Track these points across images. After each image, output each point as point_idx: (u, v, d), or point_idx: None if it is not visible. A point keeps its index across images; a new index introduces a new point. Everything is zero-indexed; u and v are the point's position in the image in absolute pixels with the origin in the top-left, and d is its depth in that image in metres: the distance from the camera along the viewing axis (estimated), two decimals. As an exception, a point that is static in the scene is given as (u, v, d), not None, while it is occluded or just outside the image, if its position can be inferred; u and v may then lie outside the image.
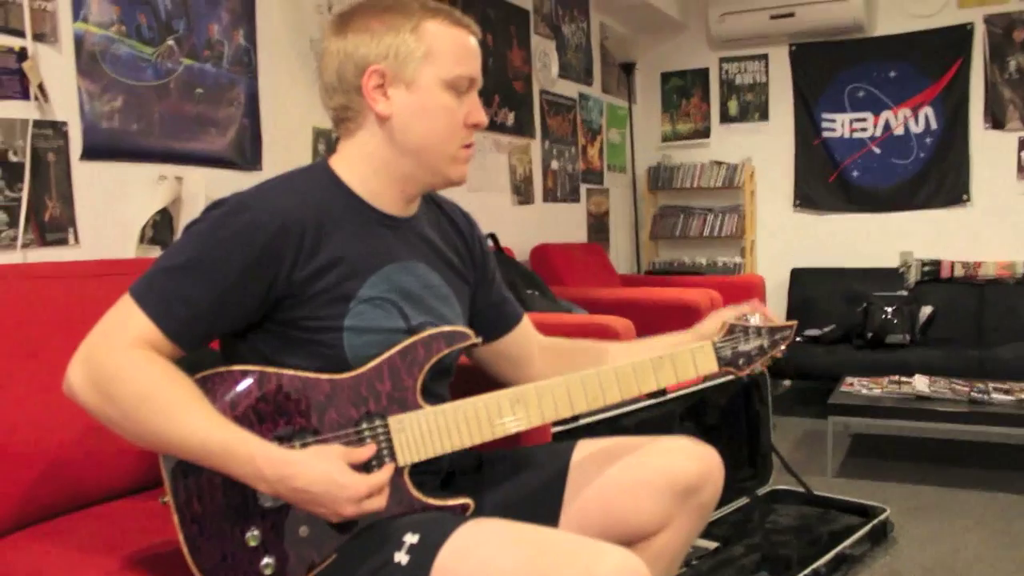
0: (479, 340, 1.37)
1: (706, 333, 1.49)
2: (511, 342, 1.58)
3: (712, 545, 2.63)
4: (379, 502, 1.17)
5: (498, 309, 1.58)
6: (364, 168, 1.35)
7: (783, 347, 1.53)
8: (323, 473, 1.13)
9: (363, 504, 1.15)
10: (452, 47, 1.32)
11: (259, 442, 1.14)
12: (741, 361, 1.49)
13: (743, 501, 2.98)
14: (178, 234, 1.96)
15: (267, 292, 1.23)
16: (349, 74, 1.31)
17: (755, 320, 1.50)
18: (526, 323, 1.62)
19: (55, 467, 1.55)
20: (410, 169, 1.35)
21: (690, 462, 1.43)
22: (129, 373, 1.13)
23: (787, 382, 5.42)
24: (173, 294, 1.19)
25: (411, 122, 1.32)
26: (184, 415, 1.12)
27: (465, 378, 1.53)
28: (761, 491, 3.06)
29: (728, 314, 1.50)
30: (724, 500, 2.91)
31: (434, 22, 1.31)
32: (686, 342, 1.49)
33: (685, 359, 1.45)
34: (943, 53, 5.17)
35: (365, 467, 1.20)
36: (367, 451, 1.21)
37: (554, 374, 1.47)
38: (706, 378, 2.86)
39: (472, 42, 1.36)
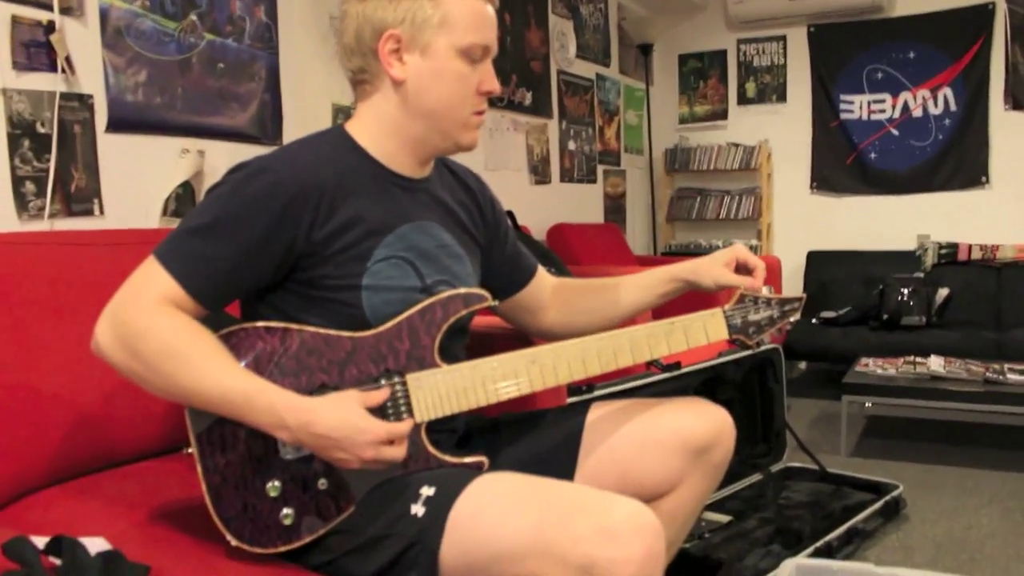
0: (495, 302, 1.40)
1: (701, 267, 1.55)
2: (528, 294, 1.63)
3: (725, 519, 2.65)
4: (398, 452, 1.20)
5: (514, 263, 1.62)
6: (379, 130, 1.38)
7: (792, 319, 1.56)
8: (343, 418, 1.16)
9: (382, 450, 1.18)
10: (468, 15, 1.33)
11: (279, 391, 1.17)
12: (751, 330, 1.52)
13: (757, 477, 3.00)
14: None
15: (287, 252, 1.27)
16: (367, 37, 1.33)
17: (765, 291, 1.54)
18: (540, 273, 1.66)
19: (86, 427, 1.59)
20: (423, 132, 1.38)
21: (702, 422, 1.46)
22: (153, 330, 1.17)
23: (802, 364, 5.43)
24: (196, 254, 1.23)
25: (425, 87, 1.34)
26: (206, 367, 1.16)
27: (480, 340, 1.57)
28: (775, 468, 3.08)
29: (726, 257, 1.54)
30: (738, 475, 2.95)
31: None
32: (677, 274, 1.56)
33: (696, 326, 1.48)
34: (963, 33, 5.14)
35: (382, 419, 1.24)
36: (381, 394, 1.24)
37: (566, 317, 1.58)
38: (720, 353, 2.89)
39: (488, 11, 1.37)
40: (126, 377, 1.21)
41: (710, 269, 1.54)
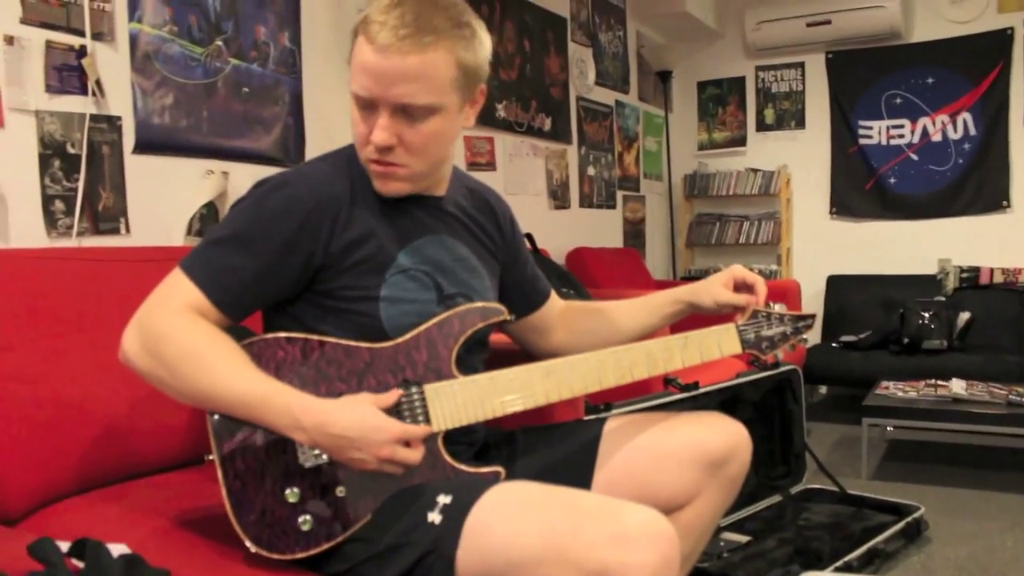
0: (512, 317, 1.43)
1: (700, 289, 1.58)
2: (540, 315, 1.67)
3: (744, 539, 2.64)
4: (413, 454, 1.23)
5: (531, 284, 1.66)
6: None
7: (804, 335, 1.59)
8: (358, 418, 1.20)
9: (398, 450, 1.20)
10: (356, 62, 1.28)
11: (295, 393, 1.21)
12: (764, 345, 1.54)
13: (776, 499, 2.99)
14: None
15: (306, 264, 1.31)
16: None
17: (778, 308, 1.56)
18: (552, 296, 1.70)
19: (110, 439, 1.62)
20: None
21: (718, 435, 1.47)
22: (175, 334, 1.22)
23: (823, 389, 5.41)
24: (219, 265, 1.27)
25: None
26: (224, 370, 1.20)
27: (500, 356, 1.59)
28: (794, 489, 3.07)
29: (724, 278, 1.57)
30: (757, 497, 2.94)
31: (361, 29, 1.28)
32: (680, 296, 1.60)
33: (710, 341, 1.51)
34: (982, 58, 5.14)
35: None
36: (393, 395, 1.27)
37: (572, 337, 1.62)
38: (739, 373, 2.89)
39: (375, 61, 1.25)
40: (150, 383, 1.25)
41: (708, 289, 1.57)
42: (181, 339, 1.21)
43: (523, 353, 1.71)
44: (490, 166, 3.95)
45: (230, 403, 1.20)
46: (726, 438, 1.47)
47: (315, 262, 1.32)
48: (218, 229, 1.32)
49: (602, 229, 5.07)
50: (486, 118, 3.91)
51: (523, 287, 1.64)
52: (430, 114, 1.29)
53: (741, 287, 1.57)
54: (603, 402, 2.31)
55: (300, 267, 1.31)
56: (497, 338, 1.65)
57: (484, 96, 1.41)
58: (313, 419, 1.19)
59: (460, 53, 1.29)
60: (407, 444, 1.23)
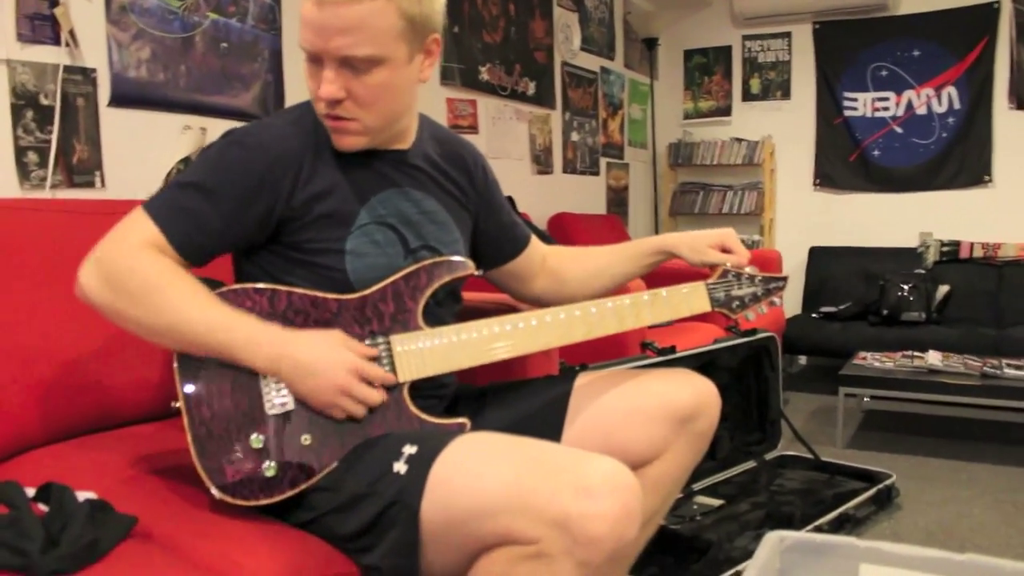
0: (479, 271, 1.43)
1: (687, 242, 1.58)
2: (520, 263, 1.67)
3: (717, 502, 2.67)
4: (371, 393, 1.24)
5: (508, 233, 1.65)
6: None
7: (775, 297, 1.59)
8: (320, 344, 1.22)
9: (355, 383, 1.22)
10: (303, 17, 1.27)
11: (262, 323, 1.23)
12: (735, 304, 1.55)
13: (751, 464, 3.02)
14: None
15: (267, 214, 1.31)
16: None
17: (749, 269, 1.57)
18: (533, 243, 1.69)
19: (82, 390, 1.62)
20: None
21: (686, 391, 1.47)
22: (138, 268, 1.22)
23: (802, 359, 5.44)
24: (181, 208, 1.28)
25: None
26: (190, 303, 1.21)
27: (473, 310, 1.59)
28: (769, 456, 3.10)
29: (714, 239, 1.58)
30: (732, 462, 2.96)
31: None
32: (663, 246, 1.61)
33: (678, 297, 1.51)
34: (968, 32, 5.13)
35: None
36: (371, 349, 1.27)
37: (555, 284, 1.63)
38: (716, 339, 2.90)
39: (319, 14, 1.25)
40: (107, 317, 1.25)
41: (695, 246, 1.58)
42: (145, 273, 1.22)
43: (495, 311, 1.71)
44: (472, 129, 3.93)
45: (197, 333, 1.21)
46: (694, 394, 1.48)
47: (276, 215, 1.32)
48: (185, 175, 1.33)
49: (585, 196, 5.06)
50: (469, 80, 3.88)
51: (500, 236, 1.64)
52: (374, 65, 1.27)
53: (728, 253, 1.58)
54: (579, 363, 2.32)
55: (260, 217, 1.31)
56: (481, 286, 1.66)
57: (439, 46, 1.38)
58: (276, 344, 1.21)
59: (402, 2, 1.26)
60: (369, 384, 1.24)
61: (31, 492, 1.21)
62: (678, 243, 1.59)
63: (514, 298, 1.71)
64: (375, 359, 1.29)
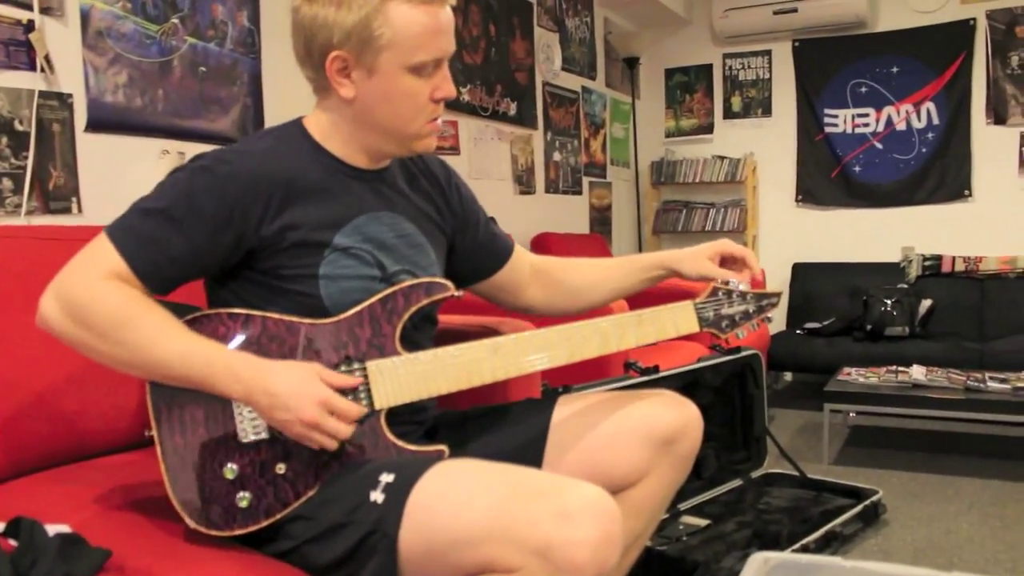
0: (459, 294, 1.40)
1: (685, 257, 1.58)
2: (504, 275, 1.64)
3: (704, 522, 2.65)
4: (341, 427, 1.20)
5: (488, 248, 1.63)
6: (333, 132, 1.39)
7: (768, 314, 1.56)
8: (294, 378, 1.19)
9: (325, 417, 1.18)
10: (415, 32, 1.28)
11: (237, 352, 1.21)
12: (724, 324, 1.52)
13: (737, 483, 3.00)
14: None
15: (236, 244, 1.28)
16: (315, 52, 1.32)
17: (741, 286, 1.53)
18: (517, 253, 1.67)
19: (55, 419, 1.59)
20: (376, 142, 1.39)
21: (669, 413, 1.46)
22: (103, 300, 1.18)
23: (787, 375, 5.45)
24: (145, 235, 1.24)
25: (374, 106, 1.34)
26: (163, 333, 1.18)
27: (452, 335, 1.58)
28: (755, 474, 3.09)
29: (711, 250, 1.56)
30: (718, 481, 2.95)
31: (397, 3, 1.27)
32: (661, 262, 1.59)
33: (665, 318, 1.48)
34: (945, 48, 5.19)
35: None
36: (349, 378, 1.25)
37: (549, 295, 1.62)
38: (700, 358, 2.89)
39: (440, 18, 1.31)
40: (74, 348, 1.22)
41: (694, 261, 1.57)
42: (109, 304, 1.18)
43: (475, 331, 1.70)
44: (454, 150, 3.93)
45: (169, 364, 1.18)
46: (677, 416, 1.46)
47: (246, 243, 1.29)
48: (150, 199, 1.28)
49: (568, 215, 5.06)
50: (450, 101, 3.87)
51: (480, 250, 1.62)
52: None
53: (728, 262, 1.57)
54: (561, 385, 2.30)
55: (229, 246, 1.28)
56: (470, 299, 1.64)
57: None
58: (252, 375, 1.18)
59: None
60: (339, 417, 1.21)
61: (0, 527, 1.19)
62: (679, 258, 1.58)
63: (505, 309, 1.69)
64: (353, 390, 1.27)
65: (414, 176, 1.52)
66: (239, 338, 1.25)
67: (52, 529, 1.20)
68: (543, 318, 1.64)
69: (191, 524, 1.19)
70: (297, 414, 1.17)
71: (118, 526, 1.31)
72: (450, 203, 1.56)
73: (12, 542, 1.16)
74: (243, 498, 1.21)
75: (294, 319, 1.28)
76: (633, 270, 1.63)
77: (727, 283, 1.52)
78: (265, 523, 1.22)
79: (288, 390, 1.17)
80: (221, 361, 1.18)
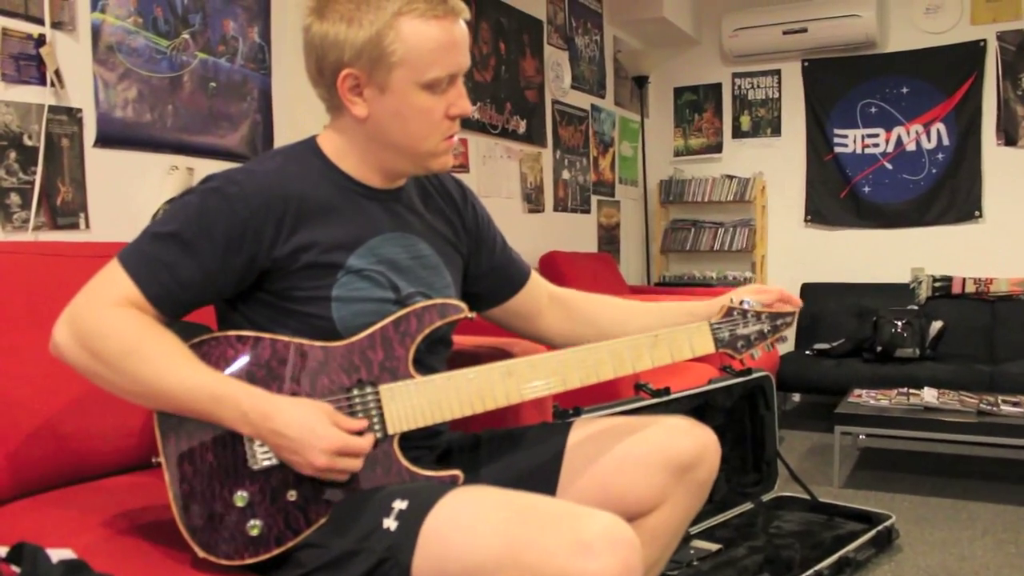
0: (472, 315, 1.38)
1: (704, 310, 1.52)
2: (520, 300, 1.61)
3: (715, 547, 2.62)
4: (353, 463, 1.18)
5: (504, 271, 1.60)
6: (348, 149, 1.37)
7: (784, 333, 1.54)
8: (302, 420, 1.15)
9: (336, 460, 1.16)
10: (428, 47, 1.27)
11: (245, 387, 1.17)
12: (740, 344, 1.49)
13: (747, 506, 2.97)
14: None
15: (248, 266, 1.26)
16: (327, 70, 1.31)
17: (756, 306, 1.51)
18: (534, 279, 1.63)
19: (59, 440, 1.56)
20: (391, 160, 1.37)
21: (686, 440, 1.43)
22: (113, 328, 1.17)
23: (796, 396, 5.40)
24: (157, 260, 1.22)
25: (388, 123, 1.31)
26: (170, 365, 1.16)
27: (466, 357, 1.55)
28: (766, 497, 3.05)
29: (736, 295, 1.51)
30: (728, 504, 2.91)
31: (409, 19, 1.25)
32: (697, 312, 1.52)
33: (681, 339, 1.45)
34: (956, 69, 5.17)
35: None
36: (358, 422, 1.22)
37: (570, 326, 1.56)
38: (711, 380, 2.86)
39: (454, 33, 1.29)
40: (86, 377, 1.20)
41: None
42: (120, 334, 1.16)
43: (486, 352, 1.67)
44: (463, 168, 3.91)
45: (177, 397, 1.16)
46: (694, 443, 1.43)
47: (258, 265, 1.26)
48: (161, 223, 1.26)
49: (577, 234, 5.04)
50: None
51: (496, 273, 1.58)
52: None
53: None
54: (572, 406, 2.27)
55: (242, 269, 1.26)
56: (483, 321, 1.61)
57: None
58: (260, 412, 1.15)
59: None
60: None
61: (2, 552, 1.16)
62: (711, 310, 1.52)
63: (520, 336, 1.65)
64: (363, 407, 1.24)
65: (430, 195, 1.50)
66: (249, 361, 1.22)
67: (55, 554, 1.17)
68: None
69: (200, 553, 1.16)
70: (307, 459, 1.15)
71: (123, 551, 1.28)
72: (466, 223, 1.54)
73: (15, 568, 1.13)
74: (254, 526, 1.18)
75: (304, 342, 1.25)
76: (663, 315, 1.56)
77: (742, 302, 1.50)
78: (276, 551, 1.19)
79: (298, 435, 1.15)
80: (229, 399, 1.16)
